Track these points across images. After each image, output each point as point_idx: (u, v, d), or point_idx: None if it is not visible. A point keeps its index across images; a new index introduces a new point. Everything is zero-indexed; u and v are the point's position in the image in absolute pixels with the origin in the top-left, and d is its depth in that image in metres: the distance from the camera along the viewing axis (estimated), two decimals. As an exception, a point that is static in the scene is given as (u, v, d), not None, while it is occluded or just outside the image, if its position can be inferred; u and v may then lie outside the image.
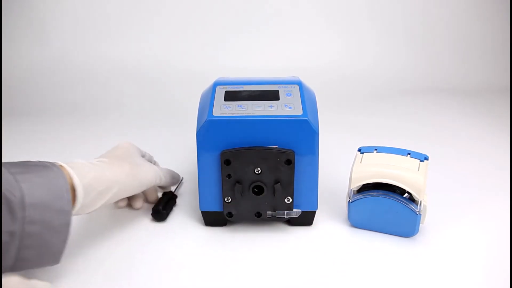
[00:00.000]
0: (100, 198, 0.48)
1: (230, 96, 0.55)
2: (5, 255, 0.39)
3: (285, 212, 0.54)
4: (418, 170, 0.52)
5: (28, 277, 0.38)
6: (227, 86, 0.57)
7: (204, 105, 0.55)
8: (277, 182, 0.52)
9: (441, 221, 0.59)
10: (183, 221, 0.59)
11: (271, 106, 0.53)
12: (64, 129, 0.98)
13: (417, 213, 0.52)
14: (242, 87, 0.57)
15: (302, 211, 0.55)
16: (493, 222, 0.59)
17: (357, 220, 0.56)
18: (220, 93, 0.55)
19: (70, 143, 0.89)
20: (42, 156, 0.50)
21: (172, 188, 0.66)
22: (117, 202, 0.59)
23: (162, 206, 0.59)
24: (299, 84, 0.57)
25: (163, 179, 0.60)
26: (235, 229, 0.57)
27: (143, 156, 0.62)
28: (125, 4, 1.33)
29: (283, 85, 0.57)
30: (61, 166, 0.46)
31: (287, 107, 0.52)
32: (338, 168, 0.75)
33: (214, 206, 0.55)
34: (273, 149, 0.51)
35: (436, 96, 1.17)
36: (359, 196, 0.54)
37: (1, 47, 1.26)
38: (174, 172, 0.65)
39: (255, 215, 0.54)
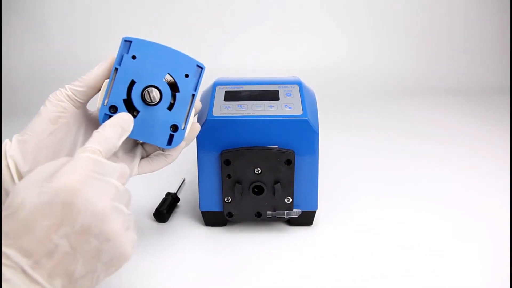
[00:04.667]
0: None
1: (230, 96, 0.55)
2: None
3: (285, 212, 0.54)
4: None
5: None
6: (227, 86, 0.57)
7: (204, 105, 0.55)
8: (277, 182, 0.52)
9: (441, 221, 0.59)
10: (184, 221, 0.59)
11: (271, 106, 0.53)
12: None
13: None
14: (242, 87, 0.57)
15: (302, 211, 0.55)
16: (493, 221, 0.58)
17: None
18: (220, 93, 0.55)
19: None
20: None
21: (175, 190, 0.66)
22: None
23: (165, 208, 0.59)
24: (299, 84, 0.57)
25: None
26: (235, 229, 0.57)
27: None
28: (125, 4, 1.33)
29: (283, 85, 0.57)
30: None
31: (287, 107, 0.52)
32: (338, 168, 0.75)
33: (214, 206, 0.55)
34: (273, 149, 0.51)
35: (436, 96, 1.17)
36: None
37: (1, 47, 1.26)
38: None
39: (255, 215, 0.54)
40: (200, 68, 0.45)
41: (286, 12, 1.35)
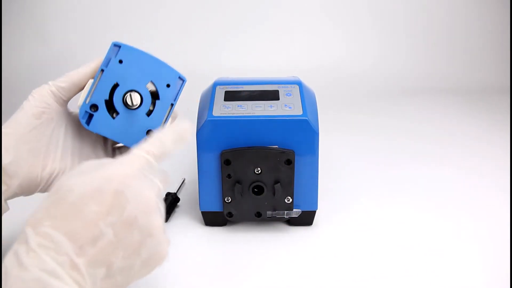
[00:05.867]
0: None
1: (230, 96, 0.55)
2: None
3: (285, 212, 0.54)
4: None
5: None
6: (227, 86, 0.57)
7: (204, 105, 0.55)
8: (277, 182, 0.52)
9: (441, 220, 0.59)
10: (183, 221, 0.59)
11: (271, 106, 0.53)
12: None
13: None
14: (242, 87, 0.57)
15: (302, 211, 0.55)
16: (493, 221, 0.58)
17: None
18: (220, 93, 0.55)
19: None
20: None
21: (175, 190, 0.66)
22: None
23: (165, 208, 0.59)
24: (299, 84, 0.57)
25: None
26: (235, 229, 0.57)
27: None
28: (125, 4, 1.33)
29: (283, 85, 0.57)
30: None
31: (287, 107, 0.52)
32: (338, 168, 0.75)
33: (214, 206, 0.55)
34: (273, 149, 0.51)
35: (436, 96, 1.17)
36: None
37: (1, 47, 1.26)
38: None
39: (255, 215, 0.54)
40: (182, 80, 0.48)
41: (286, 12, 1.35)
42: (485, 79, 1.27)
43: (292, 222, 0.57)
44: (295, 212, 0.54)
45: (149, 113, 0.47)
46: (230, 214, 0.55)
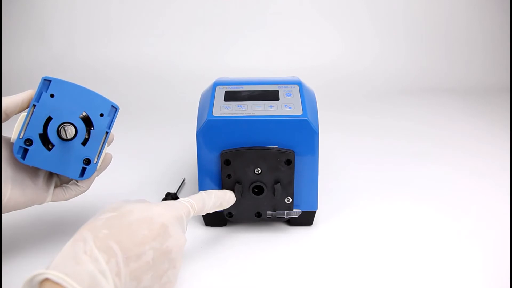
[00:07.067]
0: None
1: (230, 96, 0.55)
2: None
3: (285, 212, 0.54)
4: None
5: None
6: (227, 86, 0.57)
7: (204, 105, 0.55)
8: (277, 182, 0.52)
9: (441, 221, 0.59)
10: (183, 221, 0.59)
11: (271, 106, 0.53)
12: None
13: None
14: (242, 87, 0.57)
15: (302, 211, 0.55)
16: (493, 222, 0.59)
17: None
18: (220, 93, 0.55)
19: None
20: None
21: (174, 190, 0.66)
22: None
23: None
24: (299, 84, 0.57)
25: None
26: (235, 229, 0.57)
27: None
28: (126, 4, 1.33)
29: (283, 85, 0.57)
30: None
31: (287, 107, 0.52)
32: (338, 168, 0.75)
33: (214, 206, 0.55)
34: (273, 149, 0.51)
35: (436, 96, 1.17)
36: None
37: (1, 47, 1.26)
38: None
39: (255, 215, 0.54)
40: (115, 108, 0.49)
41: (285, 12, 1.35)
42: (485, 79, 1.27)
43: (292, 222, 0.57)
44: (295, 212, 0.54)
45: (84, 142, 0.47)
46: (230, 214, 0.55)
